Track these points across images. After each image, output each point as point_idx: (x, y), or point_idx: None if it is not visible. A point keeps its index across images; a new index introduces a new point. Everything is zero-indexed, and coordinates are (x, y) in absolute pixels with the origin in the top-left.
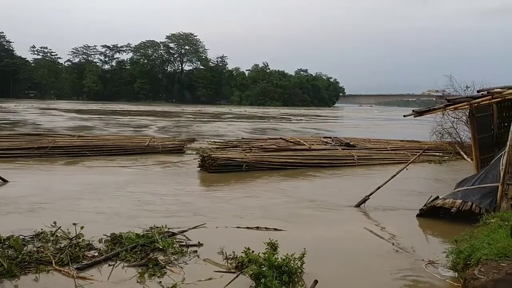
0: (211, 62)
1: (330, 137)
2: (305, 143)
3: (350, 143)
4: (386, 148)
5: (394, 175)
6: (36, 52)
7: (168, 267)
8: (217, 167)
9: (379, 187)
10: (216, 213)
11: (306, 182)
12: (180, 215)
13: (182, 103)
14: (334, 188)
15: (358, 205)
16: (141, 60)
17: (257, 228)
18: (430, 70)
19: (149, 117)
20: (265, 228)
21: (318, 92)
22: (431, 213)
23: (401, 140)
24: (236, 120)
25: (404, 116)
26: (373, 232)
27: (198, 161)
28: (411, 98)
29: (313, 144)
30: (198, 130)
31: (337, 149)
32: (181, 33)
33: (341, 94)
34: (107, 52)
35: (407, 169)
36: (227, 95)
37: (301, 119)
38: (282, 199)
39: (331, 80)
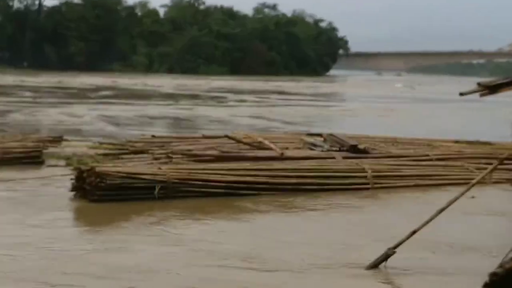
0: None
1: (320, 135)
2: (272, 146)
3: (359, 146)
4: (427, 155)
5: (444, 208)
6: None
7: None
8: (107, 191)
9: (415, 232)
10: (85, 280)
11: (274, 220)
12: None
13: (41, 69)
14: (328, 232)
15: (374, 266)
16: None
17: None
18: None
19: None
20: None
21: (297, 47)
22: (510, 282)
23: (456, 141)
24: (113, 101)
25: (462, 94)
26: None
27: (71, 179)
28: (476, 59)
29: (287, 148)
30: (23, 120)
31: (334, 158)
32: None
33: (342, 51)
34: None
35: (473, 196)
36: (126, 54)
37: (243, 100)
38: (217, 255)
39: (323, 25)
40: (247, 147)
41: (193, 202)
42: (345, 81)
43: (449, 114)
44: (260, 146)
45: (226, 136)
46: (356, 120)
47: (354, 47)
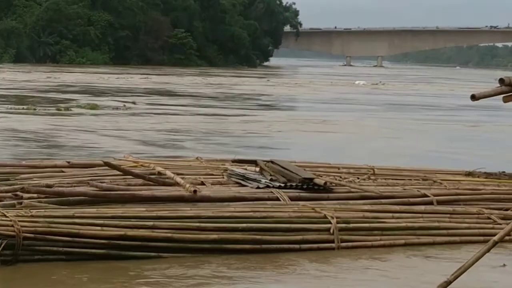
0: None
1: (254, 162)
2: (179, 180)
3: (316, 181)
4: (425, 196)
5: (450, 282)
6: None
7: None
8: None
9: None
10: None
11: None
12: None
13: None
14: None
15: None
16: None
17: None
18: None
19: None
20: None
21: (218, 22)
22: None
23: (469, 174)
24: None
25: (474, 98)
26: None
27: None
28: (502, 42)
29: (202, 183)
30: None
31: (278, 199)
32: None
33: (289, 28)
34: None
35: (504, 265)
36: None
37: (96, 106)
38: None
39: None
40: (140, 181)
41: (92, 266)
42: (285, 76)
43: (437, 131)
44: (160, 180)
45: (107, 164)
46: (265, 138)
47: (309, 21)
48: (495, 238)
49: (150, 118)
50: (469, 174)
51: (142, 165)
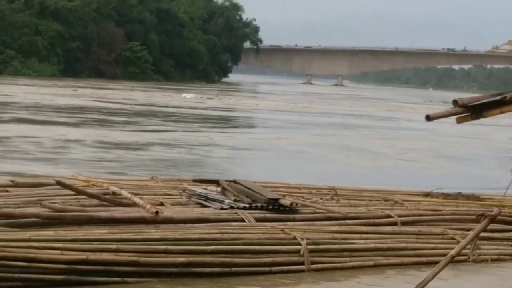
0: None
1: (216, 182)
2: (138, 200)
3: (281, 201)
4: (389, 216)
5: None
6: None
7: None
8: None
9: None
10: None
11: None
12: None
13: None
14: None
15: None
16: None
17: None
18: None
19: None
20: None
21: (175, 35)
22: None
23: (427, 194)
24: None
25: (429, 118)
26: None
27: None
28: (459, 64)
29: (162, 204)
30: None
31: (243, 220)
32: None
33: (249, 44)
34: None
35: None
36: None
37: None
38: None
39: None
40: (94, 201)
41: None
42: (257, 92)
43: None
44: (116, 201)
45: (59, 183)
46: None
47: (269, 38)
48: (452, 252)
49: None
50: (427, 194)
51: (94, 185)
